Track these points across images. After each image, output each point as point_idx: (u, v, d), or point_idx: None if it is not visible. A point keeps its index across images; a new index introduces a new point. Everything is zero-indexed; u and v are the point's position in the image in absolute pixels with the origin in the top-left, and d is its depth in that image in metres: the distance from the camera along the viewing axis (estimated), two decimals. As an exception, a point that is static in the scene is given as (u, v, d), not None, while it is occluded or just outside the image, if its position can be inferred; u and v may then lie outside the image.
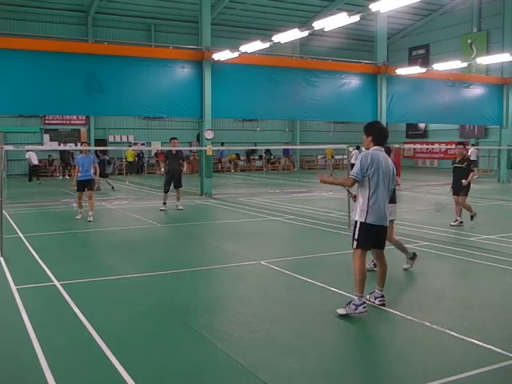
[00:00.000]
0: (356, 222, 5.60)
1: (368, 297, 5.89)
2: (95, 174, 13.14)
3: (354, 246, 5.57)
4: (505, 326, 5.27)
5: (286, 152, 35.92)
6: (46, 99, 16.38)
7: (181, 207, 14.34)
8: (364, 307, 5.45)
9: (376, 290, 5.88)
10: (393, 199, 7.26)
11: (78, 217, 12.69)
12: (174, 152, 14.42)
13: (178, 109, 18.57)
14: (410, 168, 34.96)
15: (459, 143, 12.20)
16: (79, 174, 12.56)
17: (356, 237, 5.54)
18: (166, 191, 14.47)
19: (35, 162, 25.05)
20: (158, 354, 4.58)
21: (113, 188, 20.45)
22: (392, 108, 22.21)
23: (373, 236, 5.57)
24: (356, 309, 5.42)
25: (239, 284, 6.96)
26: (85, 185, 12.60)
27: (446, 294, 6.48)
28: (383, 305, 5.79)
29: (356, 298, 5.48)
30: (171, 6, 30.05)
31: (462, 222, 11.40)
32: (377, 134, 5.72)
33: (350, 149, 13.12)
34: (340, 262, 7.98)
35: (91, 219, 12.30)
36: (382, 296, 5.84)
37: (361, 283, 5.49)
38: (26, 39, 17.87)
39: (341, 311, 5.48)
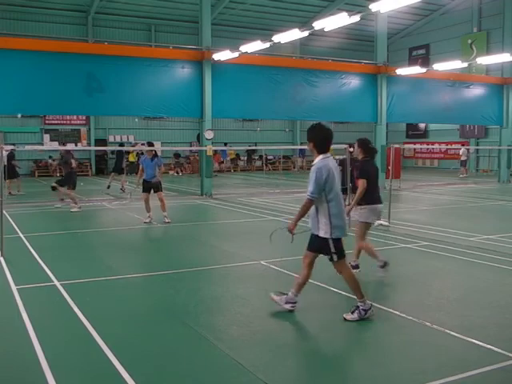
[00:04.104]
0: (323, 239, 5.34)
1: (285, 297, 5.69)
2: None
3: (336, 259, 5.41)
4: (505, 326, 5.27)
5: (301, 152, 35.14)
6: (46, 99, 16.35)
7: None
8: (372, 310, 5.44)
9: (290, 294, 5.67)
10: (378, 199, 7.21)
11: (147, 220, 11.96)
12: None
13: (178, 109, 18.55)
14: (410, 168, 34.97)
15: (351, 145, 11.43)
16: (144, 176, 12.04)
17: (334, 251, 5.36)
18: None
19: None
20: (158, 354, 4.58)
21: (108, 187, 19.95)
22: (392, 108, 22.20)
23: None
24: (366, 313, 5.39)
25: (239, 284, 6.97)
26: (149, 186, 12.06)
27: (446, 293, 6.48)
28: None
29: (361, 303, 5.41)
30: (171, 6, 30.02)
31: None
32: (317, 137, 5.36)
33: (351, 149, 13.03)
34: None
35: (168, 220, 11.95)
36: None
37: (358, 289, 5.45)
38: (26, 39, 17.87)
39: (349, 317, 5.40)
